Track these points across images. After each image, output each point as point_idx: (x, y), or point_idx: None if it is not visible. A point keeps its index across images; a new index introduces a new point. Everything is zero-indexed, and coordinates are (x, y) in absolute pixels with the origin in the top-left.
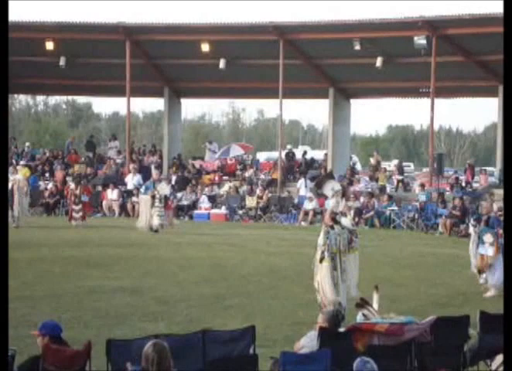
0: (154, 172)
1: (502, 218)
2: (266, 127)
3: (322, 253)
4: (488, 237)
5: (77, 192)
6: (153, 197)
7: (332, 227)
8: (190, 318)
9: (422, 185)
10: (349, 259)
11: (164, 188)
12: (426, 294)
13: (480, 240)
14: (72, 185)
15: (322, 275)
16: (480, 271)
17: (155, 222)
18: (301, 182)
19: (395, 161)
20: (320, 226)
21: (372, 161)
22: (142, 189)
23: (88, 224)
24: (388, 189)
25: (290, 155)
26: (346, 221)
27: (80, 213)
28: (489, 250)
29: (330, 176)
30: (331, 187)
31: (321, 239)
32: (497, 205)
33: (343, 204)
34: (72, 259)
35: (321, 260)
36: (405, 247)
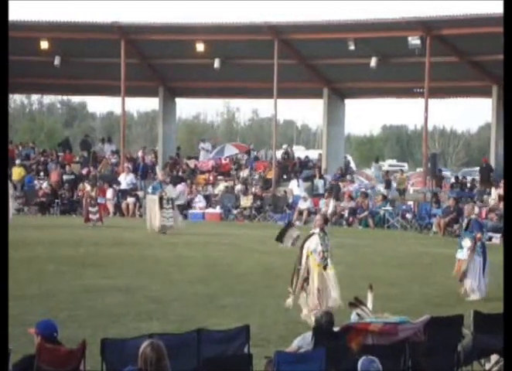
0: (160, 173)
1: (481, 219)
2: (260, 126)
3: (325, 259)
4: (466, 242)
5: (93, 194)
6: (161, 198)
7: (324, 232)
8: (184, 317)
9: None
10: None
11: (171, 191)
12: (420, 294)
13: (459, 245)
14: (88, 187)
15: (328, 283)
16: (459, 278)
17: (165, 223)
18: (293, 182)
19: (389, 161)
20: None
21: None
22: (150, 189)
23: (91, 224)
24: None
25: (286, 154)
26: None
27: (97, 215)
28: (466, 256)
29: (290, 225)
30: (290, 235)
31: (316, 245)
32: (478, 206)
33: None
34: (67, 258)
35: (325, 268)
36: (399, 247)
